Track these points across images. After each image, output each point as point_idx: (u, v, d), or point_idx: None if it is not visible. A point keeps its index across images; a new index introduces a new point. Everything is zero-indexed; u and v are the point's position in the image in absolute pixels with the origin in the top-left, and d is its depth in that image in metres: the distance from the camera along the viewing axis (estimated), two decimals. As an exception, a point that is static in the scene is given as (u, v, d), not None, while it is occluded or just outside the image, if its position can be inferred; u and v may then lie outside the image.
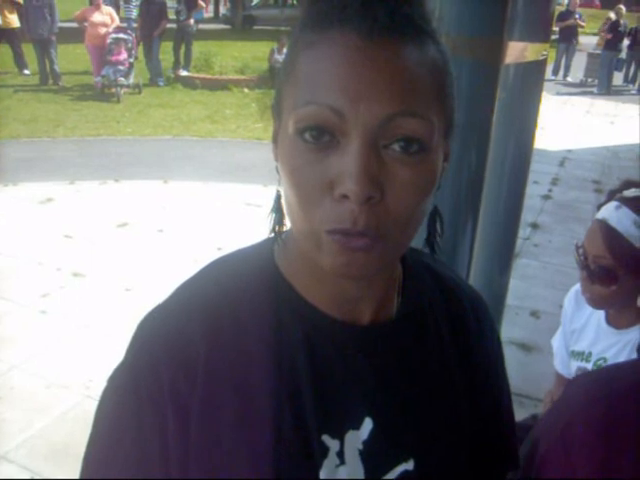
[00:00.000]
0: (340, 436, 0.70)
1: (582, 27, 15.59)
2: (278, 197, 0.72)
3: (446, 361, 0.78)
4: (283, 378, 0.68)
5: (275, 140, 0.69)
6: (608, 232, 1.52)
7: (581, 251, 1.61)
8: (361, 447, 0.71)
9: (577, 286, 1.85)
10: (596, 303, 1.65)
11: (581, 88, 14.94)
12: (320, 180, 0.59)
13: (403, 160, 0.60)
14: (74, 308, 4.17)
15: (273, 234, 0.74)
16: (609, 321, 1.71)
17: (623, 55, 15.01)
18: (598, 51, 14.95)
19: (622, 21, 14.60)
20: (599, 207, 1.63)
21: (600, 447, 0.72)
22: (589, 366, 1.72)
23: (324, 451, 0.69)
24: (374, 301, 0.73)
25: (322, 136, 0.59)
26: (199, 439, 0.66)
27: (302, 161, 0.60)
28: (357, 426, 0.71)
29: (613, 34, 14.35)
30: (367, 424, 0.71)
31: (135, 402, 0.68)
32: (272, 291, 0.72)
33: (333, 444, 0.69)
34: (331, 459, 0.69)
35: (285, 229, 0.74)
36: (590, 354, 1.73)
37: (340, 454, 0.69)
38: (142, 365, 0.69)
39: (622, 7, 15.20)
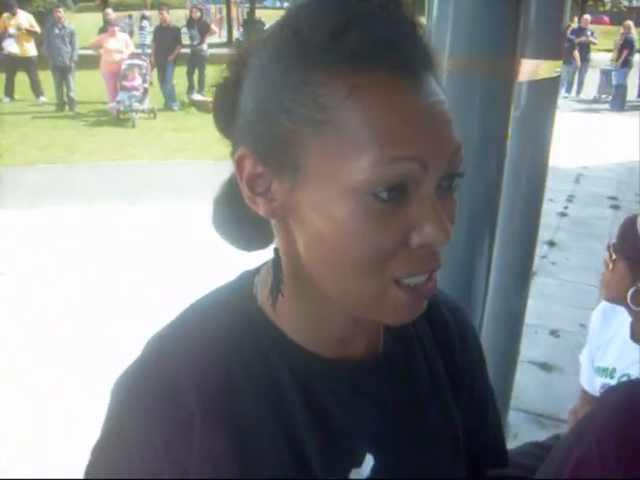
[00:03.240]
0: (344, 476, 0.68)
1: (594, 44, 15.61)
2: (277, 258, 0.67)
3: (436, 380, 0.77)
4: (281, 424, 0.66)
5: (254, 189, 0.62)
6: (629, 222, 1.64)
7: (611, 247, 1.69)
8: None
9: (605, 302, 1.84)
10: (603, 292, 1.74)
11: (595, 104, 14.90)
12: (395, 234, 0.56)
13: (449, 194, 0.59)
14: (86, 331, 4.18)
15: (272, 291, 0.68)
16: (634, 337, 1.70)
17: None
18: (609, 67, 14.91)
19: (631, 36, 14.61)
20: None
21: (631, 452, 0.72)
22: (613, 382, 1.70)
23: None
24: (364, 336, 0.72)
25: (398, 190, 0.55)
26: None
27: (376, 221, 0.55)
28: (359, 464, 0.69)
29: (628, 49, 14.35)
30: (368, 460, 0.70)
31: (128, 471, 0.64)
32: (259, 335, 0.68)
33: None
34: None
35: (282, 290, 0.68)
36: (614, 370, 1.72)
37: None
38: (130, 431, 0.65)
39: (630, 22, 15.23)
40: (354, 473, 0.69)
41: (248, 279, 0.73)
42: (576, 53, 14.36)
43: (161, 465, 0.63)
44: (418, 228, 0.56)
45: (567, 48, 14.10)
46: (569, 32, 14.16)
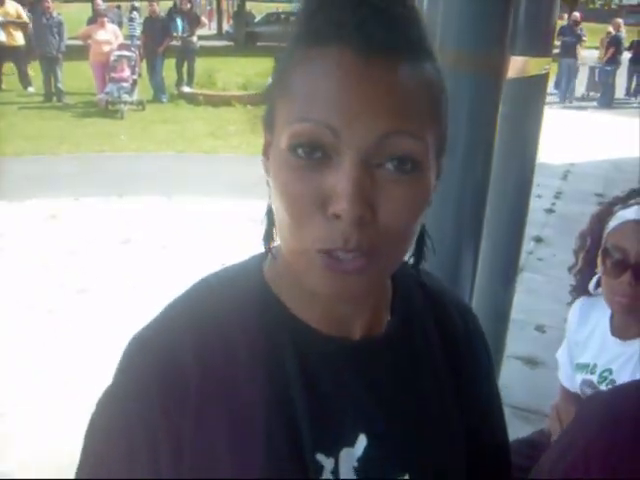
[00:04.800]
0: (335, 454, 0.69)
1: (583, 41, 15.66)
2: (269, 211, 0.72)
3: (437, 373, 0.78)
4: (276, 397, 0.68)
5: (266, 153, 0.68)
6: None
7: (617, 255, 1.58)
8: (356, 464, 0.70)
9: (582, 299, 1.85)
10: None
11: (583, 102, 14.97)
12: (312, 197, 0.59)
13: (396, 179, 0.59)
14: (79, 324, 4.16)
15: (263, 250, 0.74)
16: (614, 332, 1.71)
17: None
18: (598, 64, 14.98)
19: (619, 34, 14.67)
20: (604, 215, 1.65)
21: (617, 462, 0.72)
22: (594, 378, 1.71)
23: (318, 470, 0.68)
24: (365, 317, 0.73)
25: (315, 152, 0.59)
26: (192, 460, 0.66)
27: (294, 177, 0.60)
28: (352, 443, 0.70)
29: (615, 47, 14.42)
30: (361, 441, 0.71)
31: (125, 425, 0.67)
32: (261, 308, 0.71)
33: (328, 462, 0.69)
34: (325, 477, 0.68)
35: (275, 244, 0.73)
36: (595, 366, 1.73)
37: (335, 472, 0.69)
38: (132, 388, 0.68)
39: (620, 20, 15.30)
40: (346, 452, 0.70)
41: (259, 257, 0.76)
42: (579, 48, 14.49)
43: (156, 424, 0.66)
44: (332, 196, 0.58)
45: (573, 43, 14.19)
46: (578, 28, 14.30)
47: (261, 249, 0.75)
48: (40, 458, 2.93)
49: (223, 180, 7.48)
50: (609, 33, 14.88)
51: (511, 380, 3.41)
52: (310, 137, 0.58)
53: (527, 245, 5.53)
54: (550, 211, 6.98)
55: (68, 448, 2.86)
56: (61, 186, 6.97)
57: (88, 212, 6.33)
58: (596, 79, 14.99)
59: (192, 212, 6.36)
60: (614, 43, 14.51)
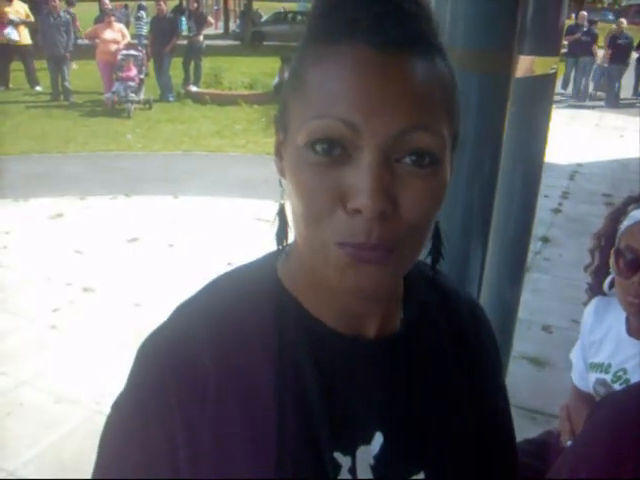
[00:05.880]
0: (352, 452, 0.69)
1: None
2: (281, 211, 0.73)
3: (449, 372, 0.78)
4: (293, 396, 0.67)
5: (279, 153, 0.69)
6: None
7: (630, 256, 1.58)
8: (372, 462, 0.70)
9: (597, 299, 1.84)
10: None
11: (590, 101, 14.91)
12: (331, 192, 0.59)
13: (415, 173, 0.60)
14: (84, 323, 4.17)
15: (271, 248, 0.74)
16: (630, 332, 1.70)
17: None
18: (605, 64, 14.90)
19: (623, 33, 14.55)
20: (618, 215, 1.65)
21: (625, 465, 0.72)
22: (608, 377, 1.71)
23: (336, 468, 0.68)
24: (379, 315, 0.73)
25: (334, 149, 0.59)
26: (209, 458, 0.65)
27: (312, 173, 0.60)
28: (368, 441, 0.70)
29: (614, 47, 14.32)
30: (378, 438, 0.71)
31: (142, 426, 0.67)
32: (276, 306, 0.71)
33: (345, 461, 0.69)
34: (343, 476, 0.68)
35: (288, 242, 0.74)
36: (610, 365, 1.73)
37: (352, 470, 0.69)
38: (148, 389, 0.68)
39: (623, 20, 15.20)
40: (362, 450, 0.70)
41: (272, 256, 0.76)
42: (595, 48, 14.47)
43: (174, 423, 0.65)
44: (352, 191, 0.58)
45: (589, 42, 14.18)
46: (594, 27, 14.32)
47: (268, 247, 0.75)
48: (44, 458, 2.93)
49: (229, 179, 7.49)
50: (609, 33, 14.79)
51: (517, 380, 3.40)
52: (329, 133, 0.59)
53: (534, 245, 5.52)
54: (557, 211, 6.96)
55: (72, 448, 2.89)
56: (67, 185, 7.00)
57: (94, 211, 6.34)
58: (597, 79, 14.94)
59: (199, 211, 6.37)
60: (615, 43, 14.38)
